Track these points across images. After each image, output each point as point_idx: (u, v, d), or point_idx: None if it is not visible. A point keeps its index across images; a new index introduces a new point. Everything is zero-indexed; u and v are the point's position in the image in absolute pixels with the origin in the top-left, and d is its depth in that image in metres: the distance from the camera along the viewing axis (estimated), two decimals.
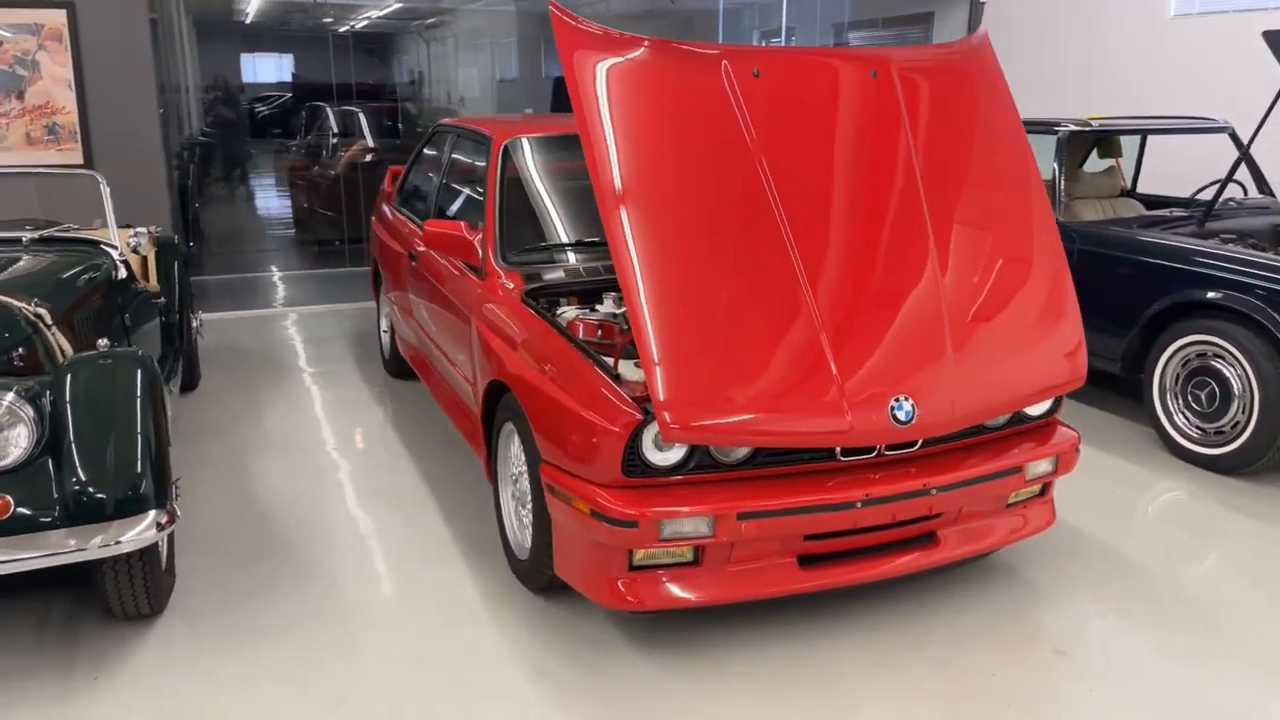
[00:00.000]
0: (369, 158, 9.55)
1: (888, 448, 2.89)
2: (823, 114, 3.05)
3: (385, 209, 5.65)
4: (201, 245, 9.18)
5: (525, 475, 3.24)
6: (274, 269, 9.08)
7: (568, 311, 3.45)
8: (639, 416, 2.68)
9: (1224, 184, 4.94)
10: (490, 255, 3.75)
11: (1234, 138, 5.59)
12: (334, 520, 3.85)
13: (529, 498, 3.23)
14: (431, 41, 11.57)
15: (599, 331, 3.26)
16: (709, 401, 2.62)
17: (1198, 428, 4.40)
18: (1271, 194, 5.60)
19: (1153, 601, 3.28)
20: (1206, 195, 5.65)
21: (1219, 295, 4.25)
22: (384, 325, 5.77)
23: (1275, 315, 4.03)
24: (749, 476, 2.82)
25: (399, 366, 5.48)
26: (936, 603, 3.23)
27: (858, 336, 2.80)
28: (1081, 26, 8.24)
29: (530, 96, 11.72)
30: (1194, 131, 5.68)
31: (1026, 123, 3.52)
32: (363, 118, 9.98)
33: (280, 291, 8.17)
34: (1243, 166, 5.49)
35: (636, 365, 2.98)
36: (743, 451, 2.80)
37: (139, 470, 2.80)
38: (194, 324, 5.41)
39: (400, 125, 10.42)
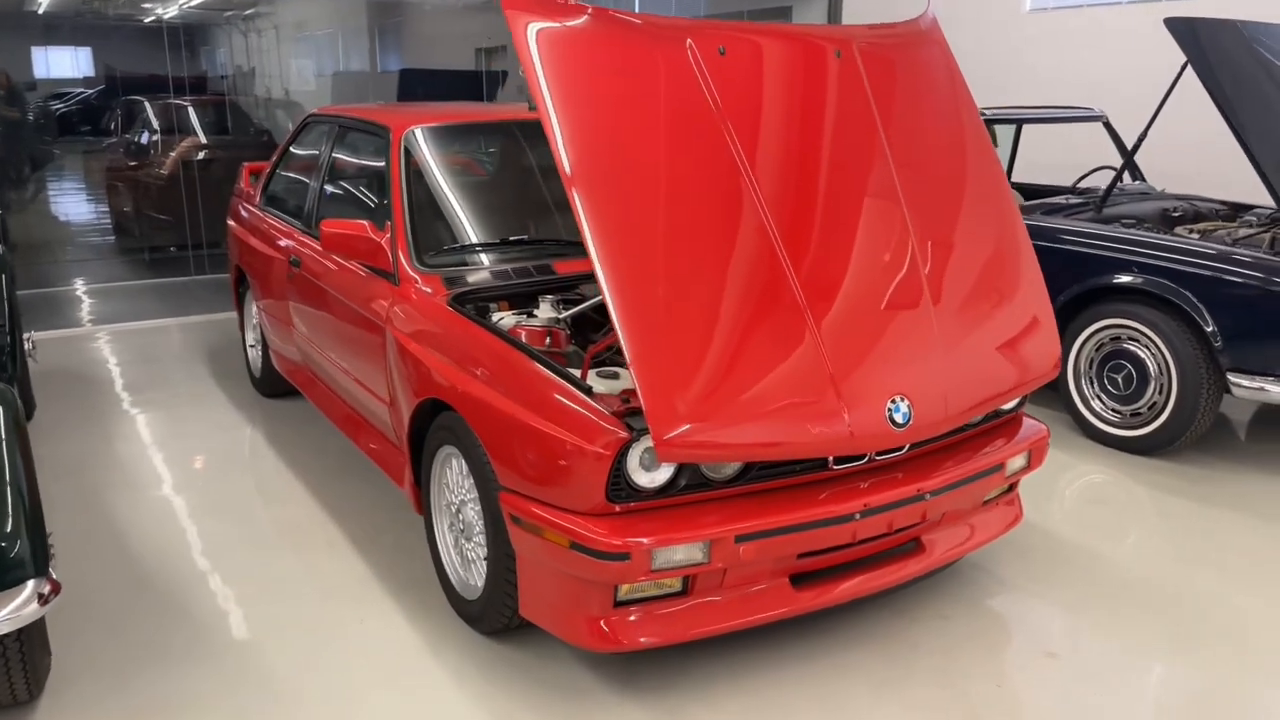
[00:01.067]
0: (202, 155, 8.75)
1: (878, 452, 2.69)
2: (792, 95, 2.81)
3: (246, 210, 5.09)
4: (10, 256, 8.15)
5: (471, 504, 2.87)
6: (97, 280, 8.16)
7: (504, 318, 3.10)
8: (625, 435, 2.37)
9: (1120, 172, 5.03)
10: (403, 258, 3.34)
11: (1108, 127, 5.74)
12: (229, 567, 3.35)
13: (476, 530, 2.86)
14: (252, 33, 10.84)
15: (547, 339, 2.93)
16: (705, 412, 2.34)
17: (1115, 411, 4.44)
18: (1144, 179, 5.78)
19: (1120, 591, 3.22)
20: (1091, 183, 5.80)
21: (1136, 279, 4.29)
22: (251, 339, 5.20)
23: (1192, 297, 4.09)
24: (740, 494, 2.56)
25: (274, 384, 4.94)
26: (917, 610, 3.06)
27: (848, 331, 2.58)
28: (941, 20, 8.39)
29: (375, 89, 11.11)
30: (1070, 120, 5.80)
31: None
32: (192, 112, 9.15)
33: (110, 305, 7.33)
34: (1116, 153, 5.65)
35: (607, 377, 2.67)
36: (734, 467, 2.54)
37: (11, 531, 2.28)
38: (26, 345, 4.70)
39: (230, 120, 9.63)
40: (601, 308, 3.17)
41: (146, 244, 8.74)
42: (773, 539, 2.49)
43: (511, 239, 3.48)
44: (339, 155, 4.23)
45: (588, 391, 2.51)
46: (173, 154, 8.70)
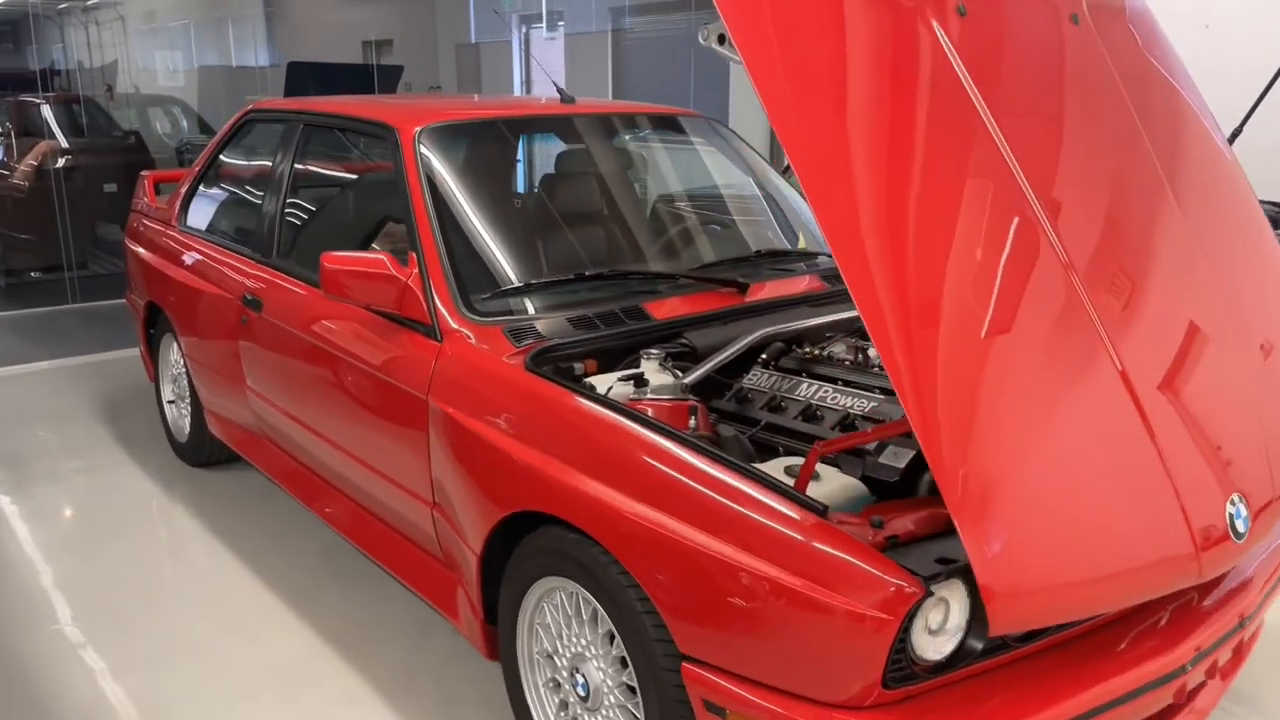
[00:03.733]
0: (63, 161, 7.41)
1: None
2: (1044, 67, 2.04)
3: (157, 231, 4.01)
4: None
5: (599, 662, 2.00)
6: None
7: (611, 386, 2.23)
8: (914, 589, 1.56)
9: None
10: (441, 304, 2.43)
11: None
12: None
13: (609, 700, 2.00)
14: (96, 25, 9.57)
15: (692, 419, 2.08)
16: (1047, 550, 1.56)
17: None
18: None
19: None
20: None
21: None
22: (169, 393, 4.11)
23: None
24: (1036, 652, 1.78)
25: (207, 451, 3.88)
26: None
27: (1174, 400, 1.83)
28: None
29: (261, 85, 9.87)
30: None
31: None
32: (46, 111, 7.78)
33: None
34: None
35: (792, 473, 1.86)
36: None
37: None
38: None
39: (85, 119, 8.30)
40: (731, 367, 2.35)
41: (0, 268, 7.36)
42: (1106, 716, 1.72)
43: (587, 274, 2.60)
44: (308, 163, 3.23)
45: (824, 513, 1.68)
46: (28, 161, 7.33)
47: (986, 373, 1.63)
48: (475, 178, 2.83)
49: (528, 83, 11.29)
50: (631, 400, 2.11)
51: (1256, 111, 4.28)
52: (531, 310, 2.47)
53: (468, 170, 2.79)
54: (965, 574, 1.57)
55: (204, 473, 3.96)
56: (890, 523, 1.68)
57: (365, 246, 2.99)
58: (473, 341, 2.36)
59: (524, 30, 11.32)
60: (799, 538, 1.65)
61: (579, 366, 2.34)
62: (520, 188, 3.30)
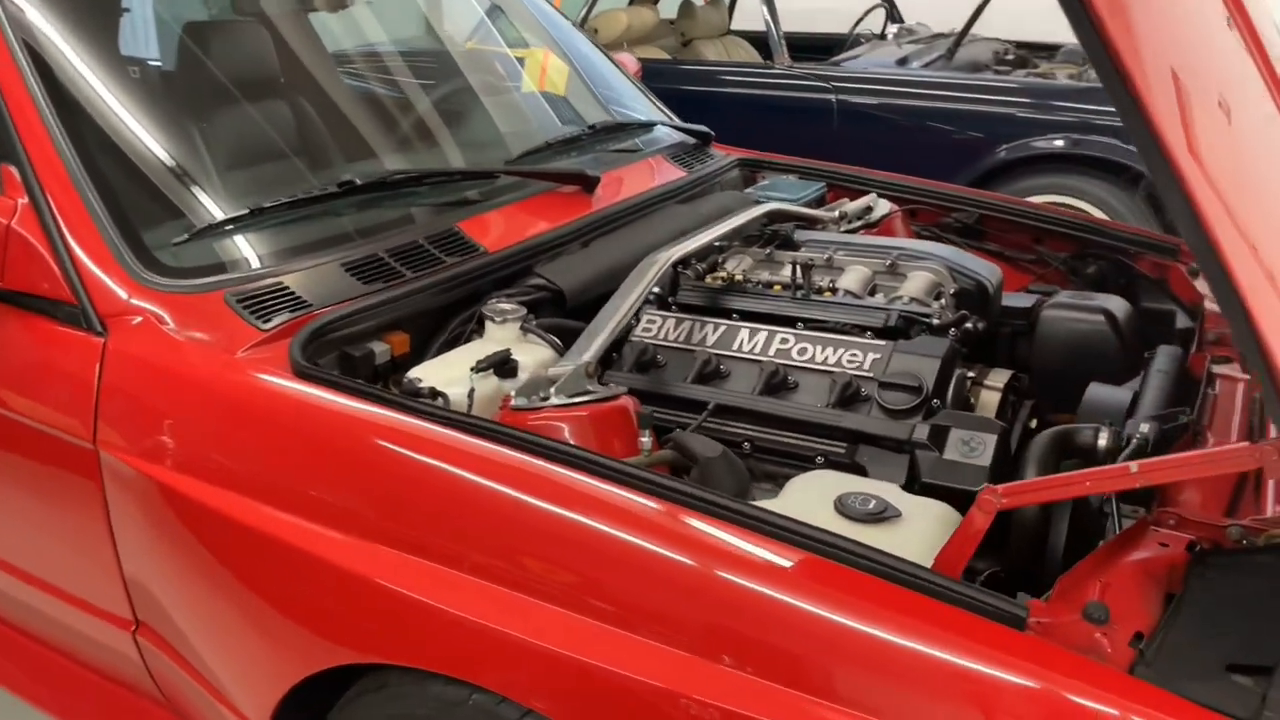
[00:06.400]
0: None
1: None
2: None
3: None
4: None
5: None
6: None
7: (456, 382, 1.25)
8: None
9: (977, 13, 3.96)
10: (95, 259, 1.30)
11: None
12: None
13: None
14: None
15: (643, 437, 1.19)
16: None
17: None
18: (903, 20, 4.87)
19: None
20: (865, 28, 4.75)
21: (1064, 143, 3.32)
22: None
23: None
24: None
25: None
26: None
27: None
28: None
29: None
30: None
31: None
32: None
33: None
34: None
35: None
36: None
37: None
38: None
39: None
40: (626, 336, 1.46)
41: None
42: None
43: (358, 181, 1.52)
44: None
45: (1023, 621, 0.87)
46: None
47: None
48: (105, 34, 1.62)
49: None
50: (517, 415, 1.17)
51: None
52: (271, 257, 1.40)
53: (97, 19, 1.59)
54: None
55: None
56: (1114, 613, 0.91)
57: None
58: (169, 328, 1.27)
59: None
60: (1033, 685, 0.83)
61: (379, 349, 1.33)
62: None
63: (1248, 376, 1.42)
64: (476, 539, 1.03)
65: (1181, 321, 1.74)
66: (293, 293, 1.33)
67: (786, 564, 0.93)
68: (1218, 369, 1.45)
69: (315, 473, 1.13)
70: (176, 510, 1.19)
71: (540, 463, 1.03)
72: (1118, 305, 1.61)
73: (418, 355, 1.38)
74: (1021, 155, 3.37)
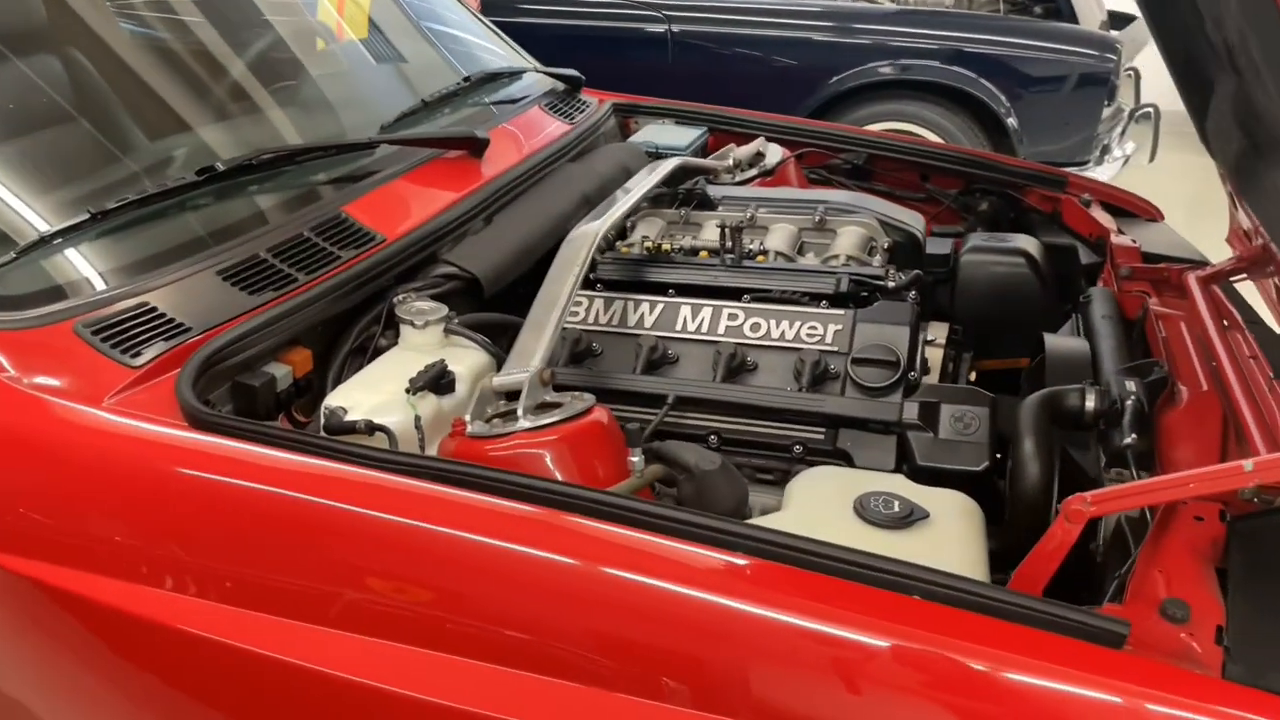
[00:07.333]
0: None
1: None
2: None
3: None
4: None
5: None
6: None
7: (388, 407, 1.05)
8: None
9: None
10: None
11: None
12: None
13: None
14: None
15: (634, 456, 1.03)
16: None
17: None
18: None
19: None
20: None
21: (891, 70, 3.32)
22: None
23: (987, 84, 3.25)
24: None
25: None
26: None
27: None
28: None
29: None
30: None
31: None
32: None
33: None
34: None
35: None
36: None
37: None
38: None
39: None
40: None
41: None
42: None
43: (220, 167, 1.25)
44: None
45: (1123, 639, 0.79)
46: None
47: None
48: None
49: None
50: (473, 445, 1.00)
51: None
52: (127, 270, 1.13)
53: None
54: None
55: None
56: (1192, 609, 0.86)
57: None
58: (7, 375, 0.99)
59: None
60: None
61: (280, 372, 1.11)
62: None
63: (1183, 313, 1.41)
64: (498, 618, 0.85)
65: (1085, 257, 1.72)
66: (163, 314, 1.07)
67: (881, 645, 0.79)
68: (1155, 307, 1.43)
69: (244, 554, 0.90)
70: (55, 612, 0.94)
71: (566, 516, 0.85)
72: (1032, 245, 1.57)
73: (320, 372, 1.16)
74: (854, 85, 3.34)
